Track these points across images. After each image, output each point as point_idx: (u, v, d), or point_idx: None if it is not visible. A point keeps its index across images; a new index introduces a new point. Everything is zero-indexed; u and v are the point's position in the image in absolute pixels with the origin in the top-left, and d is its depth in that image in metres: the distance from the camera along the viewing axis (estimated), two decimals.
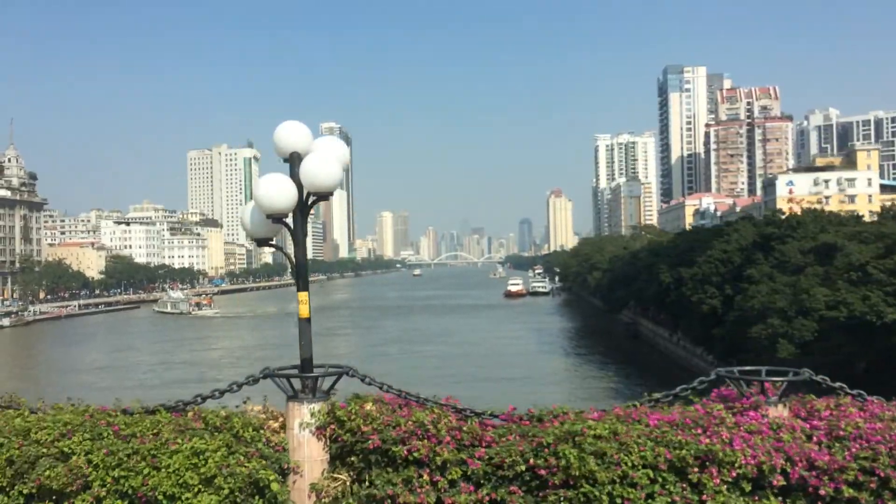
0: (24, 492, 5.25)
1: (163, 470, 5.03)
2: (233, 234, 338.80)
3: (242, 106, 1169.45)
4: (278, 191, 5.53)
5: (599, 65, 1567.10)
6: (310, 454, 5.36)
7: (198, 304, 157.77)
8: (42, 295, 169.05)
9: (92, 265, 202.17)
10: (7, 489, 5.35)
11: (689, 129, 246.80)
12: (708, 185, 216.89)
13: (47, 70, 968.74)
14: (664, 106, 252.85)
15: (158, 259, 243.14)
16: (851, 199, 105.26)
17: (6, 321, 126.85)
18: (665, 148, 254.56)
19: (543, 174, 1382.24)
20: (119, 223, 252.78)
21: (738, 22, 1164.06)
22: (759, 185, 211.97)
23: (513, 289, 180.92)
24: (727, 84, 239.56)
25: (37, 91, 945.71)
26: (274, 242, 6.17)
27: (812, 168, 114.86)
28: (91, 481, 5.13)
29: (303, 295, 5.72)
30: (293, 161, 5.71)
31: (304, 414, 5.40)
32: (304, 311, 5.71)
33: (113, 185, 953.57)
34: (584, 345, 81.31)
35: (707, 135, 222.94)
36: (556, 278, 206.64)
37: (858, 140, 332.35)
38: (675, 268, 57.21)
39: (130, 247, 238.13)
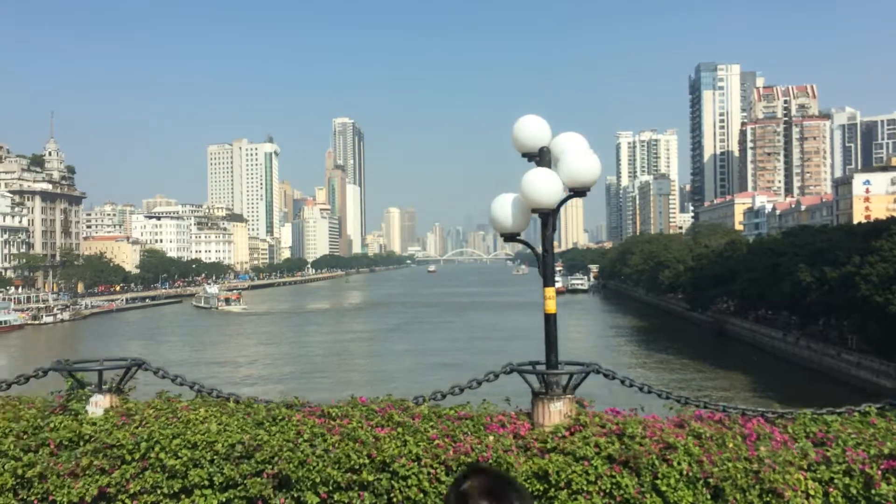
0: None
1: None
2: (255, 229, 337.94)
3: (259, 102, 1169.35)
4: None
5: (611, 61, 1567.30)
6: None
7: (226, 300, 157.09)
8: (80, 288, 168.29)
9: (127, 259, 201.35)
10: None
11: (721, 128, 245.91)
12: (743, 183, 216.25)
13: (61, 65, 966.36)
14: (696, 104, 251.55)
15: (187, 253, 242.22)
16: None
17: (66, 314, 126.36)
18: (697, 146, 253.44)
19: None
20: (150, 217, 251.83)
21: (755, 21, 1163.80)
22: (795, 184, 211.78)
23: None
24: (760, 82, 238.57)
25: (49, 85, 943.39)
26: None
27: (888, 167, 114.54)
28: None
29: None
30: None
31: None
32: None
33: (121, 177, 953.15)
34: (682, 344, 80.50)
35: (743, 133, 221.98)
36: (590, 275, 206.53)
37: (883, 139, 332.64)
38: (814, 267, 56.52)
39: (161, 241, 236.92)
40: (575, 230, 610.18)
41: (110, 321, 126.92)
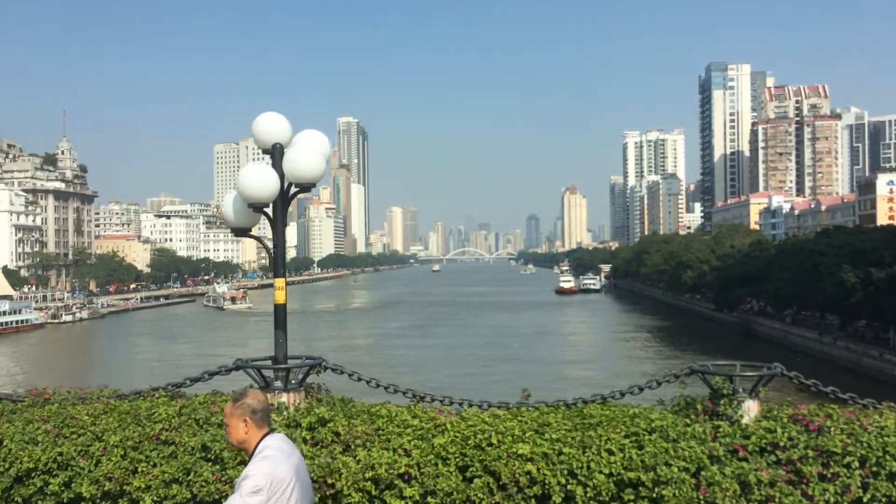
0: None
1: None
2: (262, 228, 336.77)
3: (265, 101, 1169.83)
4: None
5: (616, 60, 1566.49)
6: None
7: (232, 299, 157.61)
8: (93, 287, 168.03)
9: (138, 258, 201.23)
10: None
11: (732, 127, 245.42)
12: (754, 183, 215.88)
13: (70, 64, 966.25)
14: (706, 103, 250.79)
15: (196, 252, 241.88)
16: None
17: (84, 313, 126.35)
18: (707, 146, 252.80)
19: (550, 171, 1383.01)
20: (159, 216, 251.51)
21: (759, 21, 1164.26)
22: (807, 184, 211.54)
23: (565, 285, 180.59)
24: (770, 82, 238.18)
25: (58, 83, 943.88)
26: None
27: None
28: None
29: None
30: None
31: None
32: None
33: (123, 175, 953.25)
34: (712, 343, 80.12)
35: (754, 132, 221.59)
36: (601, 275, 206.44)
37: (891, 139, 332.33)
38: (856, 267, 56.35)
39: (171, 240, 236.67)
40: (579, 230, 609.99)
41: (128, 320, 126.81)
